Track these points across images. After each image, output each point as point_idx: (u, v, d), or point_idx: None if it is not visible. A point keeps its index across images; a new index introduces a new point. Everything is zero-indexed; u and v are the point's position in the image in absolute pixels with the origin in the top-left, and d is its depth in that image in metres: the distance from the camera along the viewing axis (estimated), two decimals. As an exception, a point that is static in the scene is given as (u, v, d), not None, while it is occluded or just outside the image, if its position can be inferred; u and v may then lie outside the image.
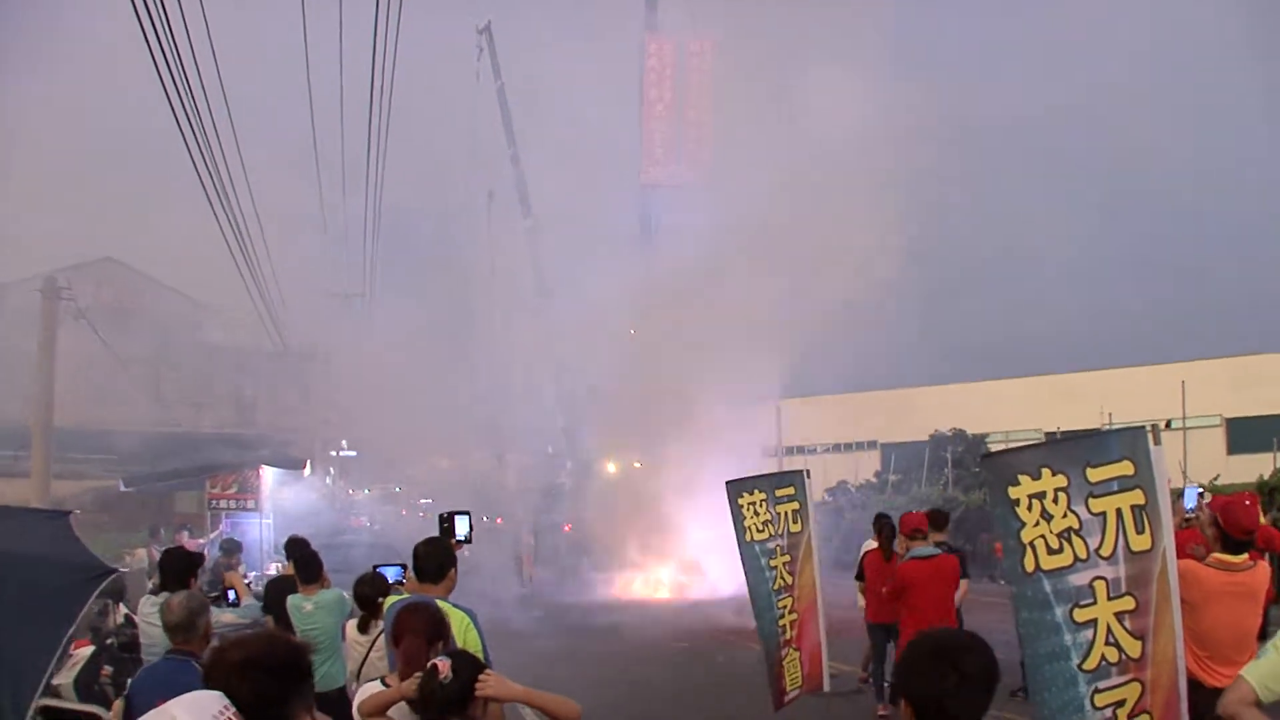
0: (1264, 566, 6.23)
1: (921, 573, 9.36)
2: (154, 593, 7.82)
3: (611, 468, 32.11)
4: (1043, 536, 4.58)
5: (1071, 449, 4.79)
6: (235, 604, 8.69)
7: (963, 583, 10.50)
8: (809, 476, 9.00)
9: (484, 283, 34.93)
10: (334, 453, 41.15)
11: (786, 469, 9.81)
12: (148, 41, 11.99)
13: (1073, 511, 4.59)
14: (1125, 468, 4.64)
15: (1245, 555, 6.06)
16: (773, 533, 8.68)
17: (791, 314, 26.63)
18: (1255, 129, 58.77)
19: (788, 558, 8.70)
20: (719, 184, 31.04)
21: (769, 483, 8.97)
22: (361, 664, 7.20)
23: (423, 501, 43.54)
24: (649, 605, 23.29)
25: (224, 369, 38.39)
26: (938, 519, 11.37)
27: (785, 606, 8.64)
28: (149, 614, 7.39)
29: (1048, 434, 42.52)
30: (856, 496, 39.19)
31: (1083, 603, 4.56)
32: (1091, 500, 4.60)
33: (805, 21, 27.82)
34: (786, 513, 8.76)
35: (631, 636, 19.55)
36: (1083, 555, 4.57)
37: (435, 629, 4.63)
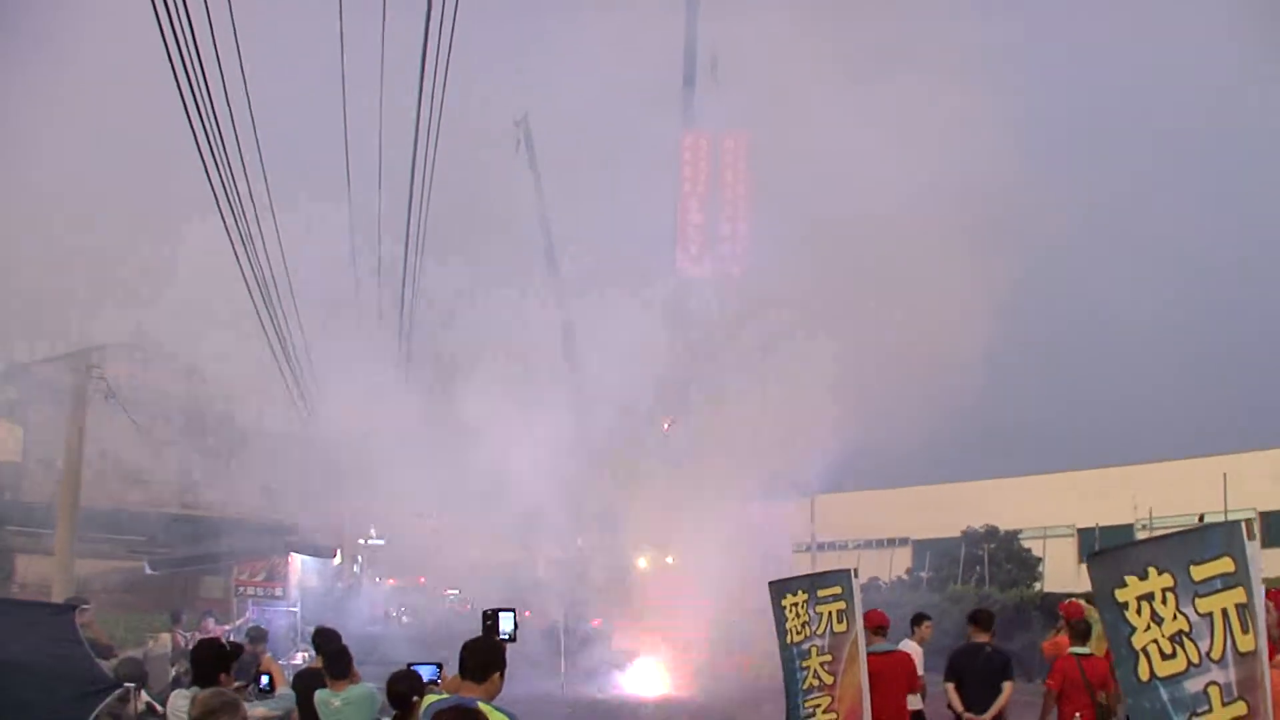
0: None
1: (875, 667, 9.36)
2: (185, 685, 7.64)
3: (643, 563, 31.77)
4: (1155, 641, 4.38)
5: (1175, 545, 4.59)
6: (270, 691, 8.43)
7: (1006, 685, 10.52)
8: (856, 575, 8.78)
9: (517, 375, 34.86)
10: (362, 540, 40.81)
11: (824, 568, 9.70)
12: (193, 128, 12.19)
13: (1182, 613, 4.40)
14: (1226, 564, 4.44)
15: None
16: (809, 633, 8.61)
17: (828, 409, 26.43)
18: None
19: (828, 657, 8.55)
20: (754, 278, 31.08)
21: (811, 583, 8.82)
22: (395, 765, 6.97)
23: (449, 592, 43.01)
24: (677, 702, 22.83)
25: (254, 453, 38.28)
26: (981, 619, 11.27)
27: (817, 706, 8.52)
28: (180, 707, 7.21)
29: (1081, 530, 41.94)
30: (889, 594, 38.50)
31: (1199, 710, 4.33)
32: (1198, 600, 4.41)
33: (843, 103, 27.94)
34: (831, 612, 8.60)
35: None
36: (1195, 659, 4.37)
37: None
